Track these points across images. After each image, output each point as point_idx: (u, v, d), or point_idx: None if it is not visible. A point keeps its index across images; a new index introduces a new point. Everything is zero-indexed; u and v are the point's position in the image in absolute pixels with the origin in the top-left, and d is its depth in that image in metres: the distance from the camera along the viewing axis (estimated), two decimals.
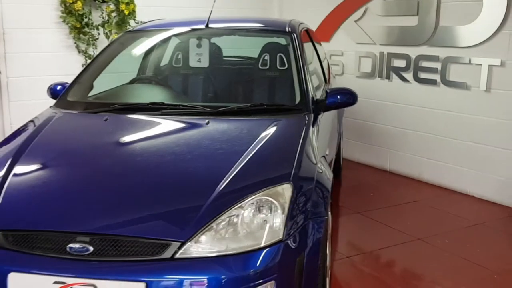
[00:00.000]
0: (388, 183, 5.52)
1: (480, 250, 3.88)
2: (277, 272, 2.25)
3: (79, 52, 6.06)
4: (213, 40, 3.95)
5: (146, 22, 4.20)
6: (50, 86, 3.79)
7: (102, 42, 6.07)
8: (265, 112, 3.16)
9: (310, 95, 3.31)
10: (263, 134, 2.83)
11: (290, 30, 3.81)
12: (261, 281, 2.21)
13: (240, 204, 2.32)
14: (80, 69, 5.98)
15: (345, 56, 6.28)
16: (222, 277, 2.16)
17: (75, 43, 6.01)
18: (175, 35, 4.01)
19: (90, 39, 5.99)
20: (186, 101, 3.47)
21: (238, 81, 3.74)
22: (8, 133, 5.74)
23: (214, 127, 2.96)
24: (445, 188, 5.26)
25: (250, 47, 3.94)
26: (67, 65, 6.04)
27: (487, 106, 4.86)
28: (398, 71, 5.64)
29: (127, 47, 3.91)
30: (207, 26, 3.83)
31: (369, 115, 5.98)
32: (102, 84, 3.73)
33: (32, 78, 5.87)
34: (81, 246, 2.20)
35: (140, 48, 4.00)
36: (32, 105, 5.85)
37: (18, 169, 2.61)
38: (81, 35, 5.94)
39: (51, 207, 2.40)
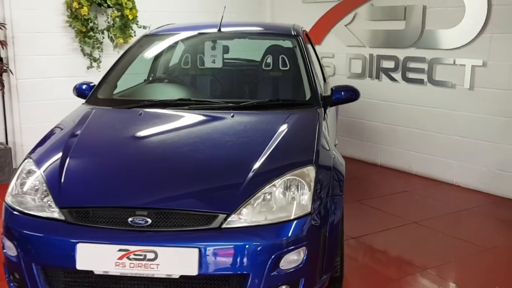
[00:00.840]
0: (380, 175, 5.94)
1: (469, 231, 4.32)
2: (307, 240, 2.61)
3: (84, 55, 6.33)
4: (225, 43, 4.30)
5: (161, 27, 4.51)
6: (75, 85, 4.07)
7: (107, 46, 6.38)
8: (281, 107, 3.53)
9: (319, 92, 3.69)
10: (283, 125, 3.19)
11: (295, 33, 4.20)
12: (293, 247, 2.57)
13: (273, 183, 2.68)
14: (86, 71, 6.32)
15: (336, 58, 6.69)
16: (261, 244, 2.52)
17: (80, 46, 6.28)
18: (190, 38, 4.35)
19: (95, 42, 6.27)
20: (207, 97, 3.81)
21: (251, 80, 4.10)
22: (18, 132, 6.03)
23: (239, 119, 3.32)
24: (433, 179, 5.70)
25: (260, 49, 4.30)
26: (73, 68, 6.32)
27: (470, 103, 5.31)
28: (387, 71, 6.08)
29: (147, 49, 4.23)
30: (219, 30, 4.17)
31: (361, 113, 6.40)
32: (124, 82, 4.05)
33: (40, 79, 6.13)
34: (141, 219, 2.54)
35: (158, 50, 4.31)
36: (39, 105, 6.16)
37: (72, 154, 2.92)
38: (86, 39, 6.21)
39: (110, 187, 2.73)
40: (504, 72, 5.01)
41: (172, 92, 3.92)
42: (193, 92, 3.92)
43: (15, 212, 2.72)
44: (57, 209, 2.63)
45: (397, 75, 5.98)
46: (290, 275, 2.57)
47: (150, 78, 4.29)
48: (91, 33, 6.22)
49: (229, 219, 2.55)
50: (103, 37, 6.31)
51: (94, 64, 6.35)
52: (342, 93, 3.78)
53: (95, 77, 6.32)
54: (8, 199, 2.80)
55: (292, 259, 2.57)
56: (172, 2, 6.92)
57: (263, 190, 2.65)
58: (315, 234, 2.67)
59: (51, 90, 6.24)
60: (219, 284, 2.54)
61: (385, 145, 6.24)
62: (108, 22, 6.27)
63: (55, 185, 2.72)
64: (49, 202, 2.68)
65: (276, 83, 3.99)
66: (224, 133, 3.19)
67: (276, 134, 3.07)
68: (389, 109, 6.11)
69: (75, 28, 6.14)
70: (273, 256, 2.51)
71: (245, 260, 2.49)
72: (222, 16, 4.29)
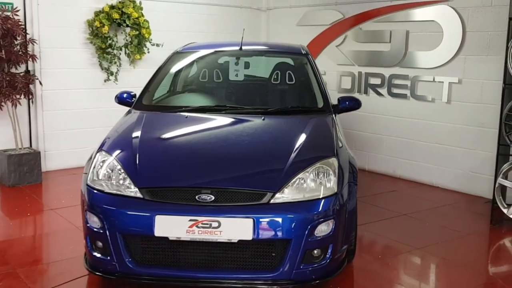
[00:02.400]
0: (369, 179, 6.71)
1: (450, 221, 5.11)
2: (334, 214, 3.34)
3: (102, 69, 6.97)
4: (246, 59, 5.03)
5: (187, 45, 5.18)
6: (117, 94, 4.72)
7: (123, 61, 7.03)
8: (300, 113, 4.29)
9: (329, 101, 4.45)
10: (306, 127, 3.93)
11: (305, 52, 4.97)
12: (324, 219, 3.29)
13: (306, 170, 3.40)
14: (103, 83, 6.96)
15: (328, 75, 7.48)
16: (301, 215, 3.23)
17: (99, 61, 6.92)
18: (215, 55, 5.06)
19: (112, 58, 6.91)
20: (237, 104, 4.51)
21: (271, 90, 4.83)
22: (41, 138, 6.61)
23: (269, 122, 4.05)
24: (415, 181, 6.51)
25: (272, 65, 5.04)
26: (92, 80, 6.97)
27: (448, 115, 6.16)
28: (374, 87, 6.90)
29: (178, 64, 4.91)
30: (240, 48, 4.89)
31: (350, 124, 7.18)
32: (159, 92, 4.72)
33: (62, 90, 6.74)
34: (206, 196, 3.22)
35: (187, 64, 4.98)
36: (61, 114, 6.77)
37: (141, 146, 3.59)
38: (104, 54, 6.85)
39: (179, 171, 3.42)
40: (477, 88, 5.88)
41: (205, 100, 4.61)
42: (224, 100, 4.61)
43: (99, 193, 3.37)
44: (136, 189, 3.29)
45: (383, 91, 6.80)
46: (321, 241, 3.28)
47: (181, 88, 4.94)
48: (109, 49, 6.86)
49: (275, 196, 3.25)
50: (120, 53, 6.96)
51: (111, 77, 6.99)
52: (347, 102, 4.55)
53: (111, 90, 7.04)
54: (90, 183, 3.45)
55: (324, 229, 3.28)
56: (180, 23, 7.62)
57: (299, 176, 3.36)
58: (340, 210, 3.40)
59: (71, 100, 6.85)
60: (268, 247, 3.23)
61: (373, 153, 7.03)
62: (126, 40, 6.92)
63: (131, 171, 3.38)
64: (128, 184, 3.33)
65: (293, 93, 4.74)
66: (260, 131, 3.93)
67: (303, 133, 3.81)
68: (376, 121, 6.92)
69: (95, 44, 6.78)
70: (309, 226, 3.22)
71: (288, 228, 3.20)
72: (242, 37, 5.01)
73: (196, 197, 3.23)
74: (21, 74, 6.10)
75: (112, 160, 3.50)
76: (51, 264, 3.95)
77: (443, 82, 6.16)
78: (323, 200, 3.32)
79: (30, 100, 6.44)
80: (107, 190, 3.37)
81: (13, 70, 6.08)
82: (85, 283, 3.68)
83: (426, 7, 6.29)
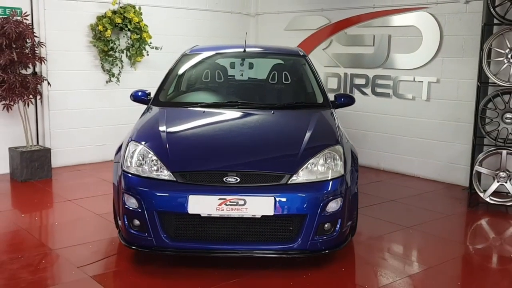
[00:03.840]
0: None
1: (433, 205, 5.71)
2: (342, 193, 3.87)
3: (104, 71, 7.37)
4: (250, 60, 5.54)
5: (194, 47, 5.63)
6: (132, 93, 5.14)
7: (124, 63, 7.45)
8: (304, 107, 4.81)
9: (328, 97, 4.98)
10: (311, 119, 4.45)
11: (302, 54, 5.50)
12: (333, 197, 3.81)
13: (317, 155, 3.92)
14: (104, 84, 7.36)
15: None
16: (315, 194, 3.75)
17: (101, 63, 7.32)
18: (221, 56, 5.55)
19: (114, 60, 7.32)
20: (246, 100, 4.98)
21: (275, 88, 5.33)
22: (47, 136, 6.96)
23: (278, 115, 4.56)
24: (398, 173, 7.11)
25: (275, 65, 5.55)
26: (94, 82, 7.36)
27: (427, 111, 6.78)
28: (359, 87, 7.49)
29: (187, 64, 5.37)
30: (244, 50, 5.39)
31: None
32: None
33: (67, 91, 7.12)
34: (232, 178, 3.71)
35: (196, 64, 5.44)
36: (66, 114, 7.15)
37: (168, 136, 4.05)
38: (106, 57, 7.26)
39: (207, 157, 3.90)
40: (453, 87, 6.51)
41: (217, 97, 5.08)
42: (234, 97, 5.08)
43: (135, 177, 3.82)
44: (169, 173, 3.76)
45: (368, 90, 7.39)
46: (332, 216, 3.81)
47: (192, 87, 5.39)
48: (111, 52, 7.27)
49: (292, 177, 3.77)
50: (122, 56, 7.37)
51: (113, 79, 7.39)
52: (342, 99, 5.09)
53: (113, 90, 7.48)
54: (126, 169, 3.89)
55: (333, 206, 3.81)
56: (175, 27, 8.06)
57: (311, 161, 3.87)
58: (346, 190, 3.93)
59: (75, 100, 7.23)
60: (286, 222, 3.74)
61: (358, 147, 7.52)
62: (128, 43, 7.35)
63: (163, 157, 3.85)
64: (161, 169, 3.80)
65: (295, 90, 5.26)
66: (271, 122, 4.45)
67: (309, 125, 4.32)
68: (361, 118, 7.50)
69: (98, 47, 7.19)
70: (322, 203, 3.74)
71: (304, 205, 3.71)
72: (246, 40, 5.51)
73: (224, 179, 3.72)
74: (30, 76, 6.46)
75: (143, 148, 3.95)
76: (84, 245, 4.35)
77: (422, 81, 6.78)
78: (333, 181, 3.85)
79: (40, 100, 6.80)
80: (142, 175, 3.83)
81: (22, 71, 6.44)
82: (118, 259, 4.10)
83: (406, 13, 6.90)
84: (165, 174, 3.78)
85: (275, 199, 3.66)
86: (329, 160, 3.95)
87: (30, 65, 6.53)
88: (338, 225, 3.88)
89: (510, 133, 5.50)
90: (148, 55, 7.54)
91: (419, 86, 6.83)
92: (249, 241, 3.76)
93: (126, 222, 3.86)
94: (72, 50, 7.12)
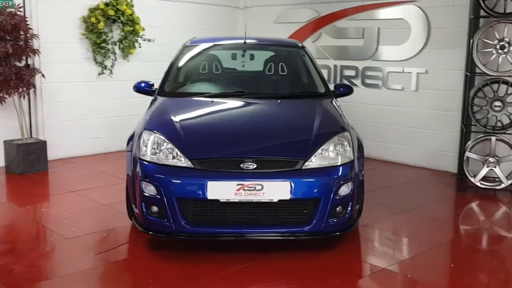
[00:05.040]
0: None
1: (424, 190, 5.97)
2: (352, 177, 4.04)
3: (96, 63, 7.38)
4: (251, 52, 5.65)
5: (193, 39, 5.71)
6: (135, 84, 5.20)
7: (117, 55, 7.47)
8: (307, 97, 4.97)
9: (329, 87, 5.15)
10: (316, 108, 4.61)
11: (301, 45, 5.65)
12: (344, 182, 3.98)
13: (328, 142, 4.08)
14: (97, 77, 7.38)
15: None
16: (328, 178, 3.92)
17: (93, 55, 7.33)
18: (222, 47, 5.65)
19: (106, 52, 7.33)
20: (251, 90, 5.08)
21: (277, 78, 5.46)
22: (41, 129, 6.96)
23: (285, 104, 4.70)
24: (388, 161, 7.34)
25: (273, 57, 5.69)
26: (87, 74, 7.37)
27: (416, 101, 7.02)
28: (349, 78, 7.68)
29: (189, 56, 5.44)
30: (245, 42, 5.50)
31: None
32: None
33: (59, 84, 7.10)
34: (249, 164, 3.84)
35: (197, 56, 5.52)
36: (58, 106, 7.15)
37: (182, 124, 4.15)
38: (99, 49, 7.27)
39: (223, 145, 4.02)
40: (441, 77, 6.76)
41: (221, 87, 5.17)
42: (239, 87, 5.18)
43: (153, 165, 3.91)
44: (187, 160, 3.87)
45: (358, 81, 7.59)
46: (343, 199, 3.98)
47: (196, 77, 5.46)
48: (103, 44, 7.28)
49: (305, 163, 3.92)
50: (114, 48, 7.39)
51: (105, 71, 7.41)
52: (341, 89, 5.26)
53: (105, 83, 7.52)
54: (142, 157, 3.98)
55: (345, 189, 3.98)
56: (164, 20, 8.08)
57: (322, 147, 4.03)
58: (355, 174, 4.10)
59: (68, 93, 7.23)
60: (301, 205, 3.89)
61: None
62: (121, 36, 7.37)
63: (180, 145, 3.95)
64: (178, 156, 3.90)
65: (296, 80, 5.40)
66: (280, 111, 4.60)
67: (315, 113, 4.48)
68: (351, 108, 7.64)
69: (90, 40, 7.19)
70: (335, 187, 3.91)
71: (319, 189, 3.88)
72: (245, 32, 5.63)
73: (241, 165, 3.84)
74: (25, 68, 6.44)
75: (157, 137, 4.04)
76: (97, 233, 4.42)
77: (411, 72, 7.01)
78: (344, 166, 4.01)
79: (34, 93, 6.78)
80: (159, 162, 3.92)
81: (16, 64, 6.41)
82: (134, 245, 4.19)
83: (395, 6, 7.11)
84: (183, 162, 3.88)
85: (291, 183, 3.80)
86: (338, 146, 4.12)
87: (23, 58, 6.50)
88: (349, 208, 4.05)
89: (499, 120, 5.76)
90: (140, 47, 7.58)
91: (408, 77, 7.06)
92: (265, 225, 3.90)
93: (144, 209, 3.94)
94: (65, 42, 7.11)
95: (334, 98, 5.02)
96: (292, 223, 3.91)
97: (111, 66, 7.44)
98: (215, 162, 3.88)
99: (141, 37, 7.55)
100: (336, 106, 4.79)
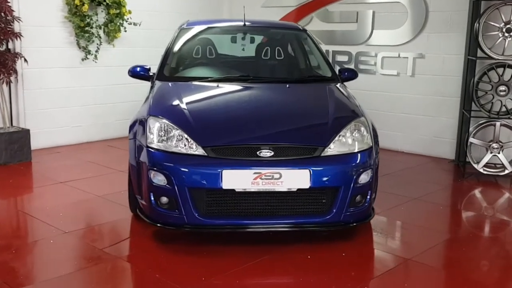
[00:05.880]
0: None
1: (426, 177, 5.85)
2: (370, 165, 3.85)
3: (79, 48, 7.00)
4: (251, 35, 5.40)
5: (188, 21, 5.42)
6: (130, 68, 4.88)
7: (102, 40, 7.11)
8: (314, 81, 4.76)
9: (335, 71, 4.94)
10: (328, 92, 4.40)
11: (303, 28, 5.42)
12: (363, 169, 3.79)
13: (345, 128, 3.87)
14: (80, 62, 7.01)
15: None
16: (349, 166, 3.72)
17: (76, 40, 6.95)
18: (222, 30, 5.38)
19: (90, 37, 6.96)
20: (255, 74, 4.84)
21: (279, 62, 5.22)
22: (22, 117, 6.58)
23: (294, 88, 4.48)
24: (384, 149, 7.12)
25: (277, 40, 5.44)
26: (70, 59, 6.99)
27: (412, 87, 6.89)
28: (341, 64, 7.49)
29: (187, 39, 5.16)
30: (244, 25, 5.24)
31: None
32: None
33: (41, 69, 6.70)
34: (266, 152, 3.61)
35: (196, 39, 5.23)
36: (40, 93, 6.77)
37: (190, 110, 3.89)
38: (82, 33, 6.88)
39: (237, 130, 3.77)
40: (438, 62, 6.63)
41: (224, 71, 4.90)
42: (243, 71, 4.92)
43: (163, 153, 3.64)
44: (199, 148, 3.61)
45: (351, 67, 7.40)
46: (363, 188, 3.79)
47: (195, 61, 5.17)
48: (87, 28, 6.91)
49: (324, 150, 3.71)
50: (99, 32, 7.02)
51: (89, 56, 7.04)
52: (346, 73, 5.05)
53: (89, 68, 7.16)
54: (150, 145, 3.70)
55: (364, 177, 3.79)
56: (150, 3, 7.75)
57: (341, 133, 3.82)
58: (374, 161, 3.92)
59: (50, 79, 6.84)
60: (320, 194, 3.69)
61: None
62: (106, 19, 7.00)
63: (191, 132, 3.68)
64: (189, 144, 3.64)
65: (301, 64, 5.18)
66: (291, 95, 4.38)
67: (329, 98, 4.29)
68: None
69: (74, 23, 6.80)
70: (355, 175, 3.71)
71: (339, 177, 3.68)
72: (244, 14, 5.36)
73: (257, 152, 3.60)
74: (7, 52, 6.04)
75: (165, 123, 3.76)
76: (98, 226, 4.14)
77: (407, 57, 6.87)
78: (363, 153, 3.82)
79: (16, 79, 6.38)
80: (169, 150, 3.65)
81: None
82: (141, 239, 3.92)
83: None
84: (194, 149, 3.63)
85: (310, 171, 3.59)
86: (356, 132, 3.92)
87: (4, 42, 6.09)
88: (368, 197, 3.87)
89: (504, 105, 5.67)
90: (126, 31, 7.22)
91: (404, 62, 6.91)
92: (282, 215, 3.69)
93: (153, 200, 3.68)
94: (46, 25, 6.70)
95: (341, 82, 4.82)
96: (310, 213, 3.71)
97: (96, 51, 7.07)
98: (229, 149, 3.63)
99: (127, 21, 7.20)
100: (347, 91, 4.59)
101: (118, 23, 7.09)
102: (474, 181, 5.72)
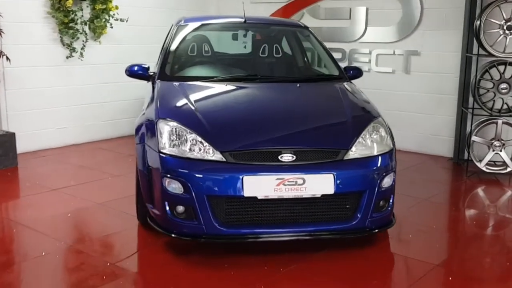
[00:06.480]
0: None
1: (427, 174, 5.77)
2: (392, 167, 3.71)
3: (63, 45, 6.66)
4: (253, 32, 5.20)
5: (184, 17, 5.16)
6: (127, 67, 4.62)
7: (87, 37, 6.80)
8: (323, 80, 4.59)
9: (342, 69, 4.79)
10: (340, 92, 4.24)
11: (304, 25, 5.25)
12: (386, 172, 3.64)
13: (366, 129, 3.72)
14: (64, 60, 6.69)
15: None
16: (373, 169, 3.57)
17: (60, 36, 6.60)
18: (222, 27, 5.16)
19: (75, 33, 6.63)
20: (261, 74, 4.64)
21: (284, 60, 5.04)
22: (4, 120, 6.22)
23: (305, 88, 4.31)
24: None
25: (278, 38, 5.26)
26: (53, 57, 6.63)
27: (408, 85, 6.80)
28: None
29: (186, 36, 4.92)
30: (245, 21, 5.04)
31: None
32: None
33: (23, 68, 6.34)
34: (288, 156, 3.42)
35: (193, 36, 5.01)
36: (22, 94, 6.40)
37: (202, 112, 3.67)
38: (66, 29, 6.55)
39: (256, 134, 3.57)
40: (434, 59, 6.56)
41: (232, 70, 4.68)
42: (249, 70, 4.72)
43: (178, 159, 3.42)
44: (217, 153, 3.40)
45: (344, 64, 7.24)
46: (386, 192, 3.65)
47: (197, 59, 4.94)
48: (71, 24, 6.58)
49: (347, 153, 3.55)
50: (83, 29, 6.70)
51: (74, 54, 6.71)
52: (351, 71, 4.91)
53: (74, 67, 6.83)
54: (163, 150, 3.47)
55: (388, 181, 3.65)
56: None
57: (362, 134, 3.67)
58: (395, 163, 3.78)
59: (33, 78, 6.48)
60: (344, 200, 3.52)
61: None
62: (92, 15, 6.68)
63: (205, 135, 3.46)
64: (206, 149, 3.42)
65: (307, 62, 5.02)
66: (305, 95, 4.21)
67: (342, 98, 4.13)
68: None
69: (57, 19, 6.46)
70: (379, 178, 3.56)
71: (364, 181, 3.52)
72: (244, 10, 5.16)
73: (279, 157, 3.42)
74: None
75: (177, 126, 3.54)
76: (105, 237, 3.88)
77: (402, 54, 6.78)
78: (385, 155, 3.68)
79: None
80: (184, 155, 3.43)
81: None
82: (154, 251, 3.68)
83: None
84: (211, 154, 3.42)
85: (334, 176, 3.42)
86: (375, 133, 3.78)
87: None
88: (391, 201, 3.74)
89: (505, 103, 5.63)
90: (112, 27, 6.92)
91: (399, 59, 6.82)
92: (305, 223, 3.50)
93: (168, 209, 3.45)
94: (28, 22, 6.33)
95: (350, 81, 4.67)
96: (334, 219, 3.54)
97: (82, 49, 6.74)
98: (250, 154, 3.43)
99: (113, 17, 6.89)
100: (357, 89, 4.44)
101: (104, 19, 6.78)
102: (477, 180, 5.65)
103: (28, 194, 4.89)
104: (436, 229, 4.27)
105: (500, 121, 5.57)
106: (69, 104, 6.89)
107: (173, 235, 3.50)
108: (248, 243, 3.64)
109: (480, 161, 5.68)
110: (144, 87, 6.60)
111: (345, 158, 3.54)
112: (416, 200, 4.90)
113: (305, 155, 3.47)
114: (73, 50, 6.70)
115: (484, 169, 5.65)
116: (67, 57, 6.72)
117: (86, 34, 6.70)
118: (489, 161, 5.69)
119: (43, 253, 3.56)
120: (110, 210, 4.42)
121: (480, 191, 5.38)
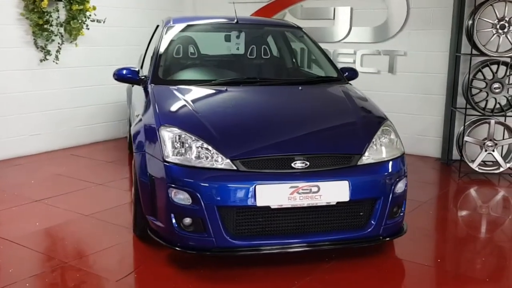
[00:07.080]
0: None
1: (423, 177, 5.69)
2: (405, 172, 3.59)
3: (37, 48, 6.30)
4: (245, 33, 5.00)
5: (172, 18, 4.94)
6: (115, 71, 4.34)
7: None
8: (323, 82, 4.44)
9: (340, 70, 4.64)
10: (344, 94, 4.09)
11: (297, 26, 5.09)
12: (399, 177, 3.51)
13: (377, 133, 3.58)
14: (38, 64, 6.34)
15: None
16: (388, 174, 3.44)
17: (34, 39, 6.25)
18: (214, 28, 4.94)
19: (49, 35, 6.28)
20: (259, 76, 4.45)
21: (280, 62, 4.86)
22: None
23: (307, 90, 4.15)
24: None
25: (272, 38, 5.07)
26: (26, 61, 6.26)
27: (394, 85, 6.73)
28: None
29: (176, 37, 4.70)
30: (237, 22, 4.83)
31: None
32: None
33: None
34: (301, 163, 3.25)
35: (184, 38, 4.78)
36: None
37: (207, 118, 3.46)
38: (41, 32, 6.19)
39: (266, 140, 3.38)
40: (420, 60, 6.51)
41: (229, 73, 4.48)
42: (246, 72, 4.52)
43: (185, 168, 3.19)
44: (227, 161, 3.19)
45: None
46: (399, 198, 3.52)
47: (190, 62, 4.71)
48: (46, 26, 6.23)
49: (360, 158, 3.40)
50: (58, 30, 6.36)
51: (49, 57, 6.36)
52: (347, 73, 4.77)
53: (49, 70, 6.48)
54: (168, 159, 3.24)
55: (401, 186, 3.52)
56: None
57: (374, 138, 3.53)
58: (406, 167, 3.65)
59: (4, 83, 6.09)
60: (358, 207, 3.37)
61: None
62: (68, 16, 6.35)
63: (212, 142, 3.26)
64: (214, 156, 3.21)
65: (305, 63, 4.86)
66: (310, 99, 4.03)
67: (348, 100, 3.97)
68: None
69: (31, 20, 6.11)
70: (393, 183, 3.43)
71: (379, 186, 3.38)
72: (235, 10, 4.95)
73: (292, 164, 3.24)
74: None
75: (182, 133, 3.33)
76: (101, 253, 3.60)
77: (388, 55, 6.70)
78: (397, 160, 3.56)
79: None
80: (190, 164, 3.21)
81: None
82: (156, 265, 3.43)
83: None
84: (220, 162, 3.21)
85: (349, 183, 3.27)
86: (385, 137, 3.65)
87: None
88: (403, 207, 3.60)
89: (498, 102, 5.60)
90: (88, 29, 6.59)
91: (385, 59, 6.74)
92: (321, 232, 3.33)
93: (175, 222, 3.22)
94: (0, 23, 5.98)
95: (349, 83, 4.54)
96: (346, 228, 3.38)
97: (57, 51, 6.39)
98: (261, 161, 3.23)
99: (89, 18, 6.56)
100: (360, 91, 4.30)
101: (81, 20, 6.45)
102: (469, 180, 5.60)
103: (9, 206, 4.54)
104: (441, 233, 4.18)
105: (492, 121, 5.53)
106: (42, 110, 6.52)
107: (177, 248, 3.27)
108: (252, 254, 3.42)
109: (473, 161, 5.63)
110: (121, 91, 6.36)
111: (359, 163, 3.38)
112: (416, 203, 4.78)
113: (318, 161, 3.30)
114: (48, 53, 6.34)
115: (476, 169, 5.61)
116: (41, 60, 6.36)
117: (62, 36, 6.36)
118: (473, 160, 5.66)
119: (34, 273, 3.27)
120: (100, 223, 4.14)
121: (477, 192, 5.31)
